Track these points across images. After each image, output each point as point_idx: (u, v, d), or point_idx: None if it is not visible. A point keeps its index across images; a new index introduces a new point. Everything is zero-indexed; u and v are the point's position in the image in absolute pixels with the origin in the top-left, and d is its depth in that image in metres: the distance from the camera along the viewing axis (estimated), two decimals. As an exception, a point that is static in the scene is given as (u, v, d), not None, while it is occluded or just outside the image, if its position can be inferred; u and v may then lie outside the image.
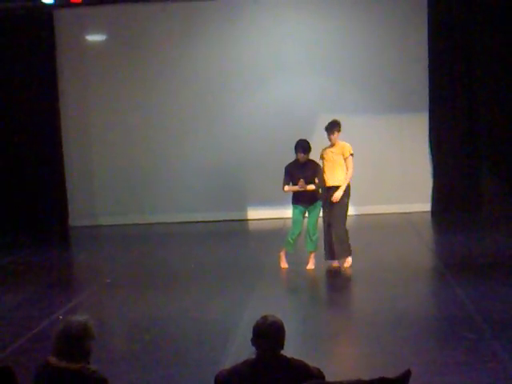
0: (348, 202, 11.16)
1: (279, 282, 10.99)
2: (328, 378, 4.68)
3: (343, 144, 11.11)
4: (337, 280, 10.96)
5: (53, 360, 4.43)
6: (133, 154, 16.62)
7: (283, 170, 11.14)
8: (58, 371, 4.39)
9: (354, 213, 15.46)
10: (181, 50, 16.41)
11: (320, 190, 11.08)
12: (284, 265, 11.37)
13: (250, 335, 4.62)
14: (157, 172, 16.61)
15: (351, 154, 11.05)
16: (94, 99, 16.70)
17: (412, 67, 15.90)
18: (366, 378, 4.44)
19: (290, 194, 11.24)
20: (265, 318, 4.64)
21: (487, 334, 7.77)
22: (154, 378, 7.07)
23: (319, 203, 11.16)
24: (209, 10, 16.26)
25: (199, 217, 16.41)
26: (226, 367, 4.77)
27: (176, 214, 16.52)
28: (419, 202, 16.10)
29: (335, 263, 11.27)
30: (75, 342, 4.41)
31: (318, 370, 4.67)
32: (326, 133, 11.15)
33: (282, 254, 11.39)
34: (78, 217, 16.77)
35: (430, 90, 15.84)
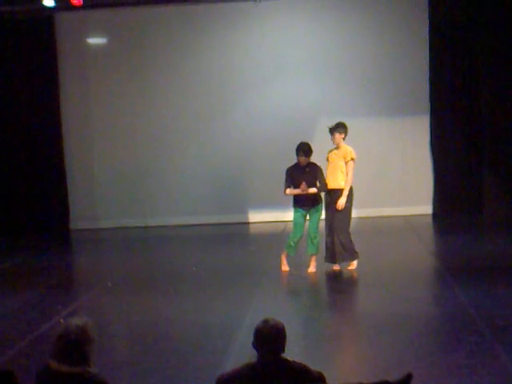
0: (351, 207, 11.15)
1: (280, 285, 10.98)
2: (329, 381, 4.67)
3: (346, 148, 11.08)
4: (338, 283, 10.95)
5: (53, 364, 4.42)
6: (134, 156, 16.63)
7: (284, 173, 11.14)
8: (59, 375, 4.38)
9: (355, 215, 15.44)
10: (181, 53, 16.42)
11: (321, 193, 11.10)
12: (285, 268, 11.36)
13: (251, 338, 4.62)
14: (158, 175, 16.62)
15: (352, 159, 11.01)
16: (96, 102, 16.72)
17: (413, 69, 15.90)
18: (368, 381, 4.43)
19: (291, 197, 11.23)
20: (266, 321, 4.64)
21: (489, 337, 7.76)
22: (154, 381, 7.06)
23: (320, 206, 11.16)
24: (209, 13, 16.27)
25: (200, 220, 16.41)
26: (227, 370, 4.76)
27: (177, 216, 16.52)
28: (420, 204, 16.10)
29: (336, 266, 11.26)
30: (75, 346, 4.40)
31: (320, 373, 4.67)
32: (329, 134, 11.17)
33: (283, 257, 11.38)
34: (79, 219, 16.77)
35: (431, 92, 15.85)
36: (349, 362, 7.55)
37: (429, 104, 15.89)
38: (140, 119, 16.60)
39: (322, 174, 11.00)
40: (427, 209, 16.10)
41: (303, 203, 11.09)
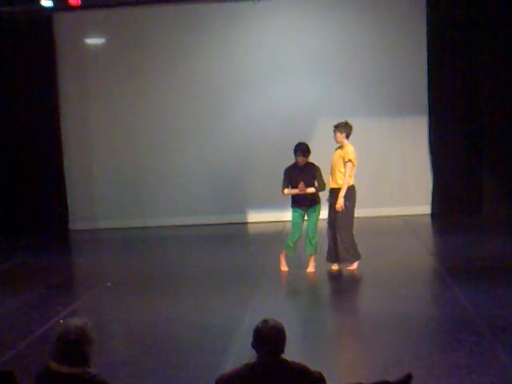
0: (353, 207, 11.13)
1: (279, 285, 10.97)
2: (329, 382, 4.67)
3: (347, 148, 11.05)
4: (337, 283, 10.95)
5: (53, 364, 4.42)
6: (133, 157, 16.63)
7: (283, 174, 11.14)
8: (59, 376, 4.38)
9: (354, 215, 15.48)
10: (180, 53, 16.43)
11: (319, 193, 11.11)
12: (284, 268, 11.37)
13: (250, 339, 4.62)
14: (157, 175, 16.62)
15: (349, 160, 10.96)
16: (94, 102, 16.72)
17: (412, 69, 15.91)
18: (368, 381, 4.43)
19: (290, 197, 11.23)
20: (265, 321, 4.64)
21: (488, 337, 7.76)
22: (154, 381, 7.06)
23: (318, 206, 11.16)
24: (208, 13, 16.27)
25: (199, 220, 16.41)
26: (227, 371, 4.77)
27: (176, 217, 16.53)
28: (419, 204, 16.11)
29: (335, 266, 11.27)
30: (75, 347, 4.40)
31: (319, 373, 4.67)
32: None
33: (282, 257, 11.39)
34: (78, 220, 16.78)
35: (430, 92, 15.86)
36: (348, 362, 7.55)
37: (428, 104, 15.89)
38: (139, 119, 16.61)
39: (321, 173, 10.99)
40: (426, 209, 16.10)
41: (301, 203, 11.09)
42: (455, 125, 15.77)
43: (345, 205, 10.94)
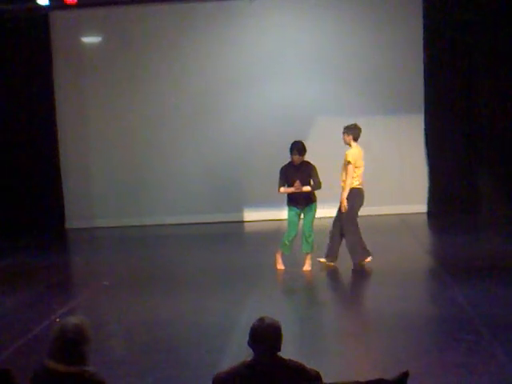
0: (356, 208, 11.15)
1: (276, 284, 10.98)
2: (326, 380, 4.67)
3: (349, 150, 11.11)
4: (333, 281, 10.96)
5: (50, 363, 4.41)
6: (130, 155, 16.64)
7: (279, 172, 11.13)
8: (56, 374, 4.37)
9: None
10: (176, 52, 16.43)
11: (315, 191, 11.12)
12: (280, 266, 11.37)
13: (247, 337, 4.61)
14: (154, 174, 16.62)
15: (348, 162, 11.02)
16: (91, 100, 16.71)
17: (408, 68, 15.93)
18: (364, 379, 4.43)
19: (286, 196, 11.22)
20: (262, 319, 4.63)
21: (486, 336, 7.76)
22: (151, 380, 7.06)
23: (314, 205, 11.16)
24: (204, 12, 16.27)
25: (196, 219, 16.41)
26: (224, 369, 4.76)
27: (173, 215, 16.53)
28: (416, 203, 16.12)
29: (321, 259, 11.31)
30: (72, 345, 4.39)
31: (316, 371, 4.66)
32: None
33: (278, 256, 11.39)
34: (74, 219, 16.77)
35: (427, 91, 15.87)
36: (345, 360, 7.55)
37: (424, 103, 15.90)
38: (136, 118, 16.60)
39: (316, 172, 10.99)
40: (423, 207, 16.12)
41: (298, 202, 11.09)
42: (452, 124, 15.78)
43: (349, 207, 10.98)
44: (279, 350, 4.59)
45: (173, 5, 16.36)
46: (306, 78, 16.20)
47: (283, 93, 16.21)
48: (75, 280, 12.81)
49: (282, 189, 11.07)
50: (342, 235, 11.24)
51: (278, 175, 11.12)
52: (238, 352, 7.24)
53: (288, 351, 4.83)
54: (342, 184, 11.15)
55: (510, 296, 9.27)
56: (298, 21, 16.18)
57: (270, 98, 16.26)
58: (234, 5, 16.17)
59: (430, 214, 16.01)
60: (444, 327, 8.39)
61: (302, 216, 11.23)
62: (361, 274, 11.04)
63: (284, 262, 11.35)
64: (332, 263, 11.32)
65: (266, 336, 4.54)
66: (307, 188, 10.94)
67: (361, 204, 11.22)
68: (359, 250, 11.18)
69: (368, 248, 11.26)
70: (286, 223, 11.50)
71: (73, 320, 4.50)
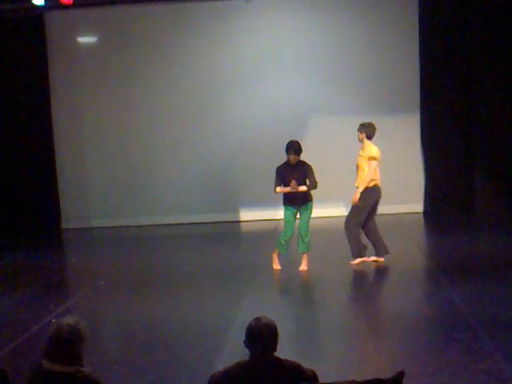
0: (364, 205, 11.22)
1: (272, 284, 10.98)
2: (322, 380, 4.67)
3: (368, 147, 11.26)
4: (330, 281, 10.94)
5: (46, 363, 4.41)
6: (125, 155, 16.62)
7: (274, 172, 11.12)
8: (51, 375, 4.37)
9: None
10: (172, 52, 16.42)
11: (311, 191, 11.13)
12: (277, 266, 11.37)
13: (243, 337, 4.62)
14: (149, 174, 16.61)
15: (372, 158, 11.16)
16: (86, 101, 16.69)
17: (404, 67, 15.93)
18: (360, 379, 4.44)
19: (282, 196, 11.22)
20: (258, 319, 4.63)
21: (480, 335, 7.77)
22: (147, 380, 7.05)
23: (310, 204, 11.16)
24: (200, 11, 16.25)
25: (192, 218, 16.40)
26: (220, 369, 4.77)
27: (168, 215, 16.52)
28: (411, 202, 16.12)
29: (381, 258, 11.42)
30: (67, 345, 4.38)
31: (312, 371, 4.66)
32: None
33: (275, 256, 11.39)
34: (70, 219, 16.75)
35: (422, 91, 15.88)
36: (341, 359, 7.55)
37: (420, 102, 15.92)
38: (132, 118, 16.59)
39: (312, 172, 10.99)
40: (418, 207, 16.12)
41: (294, 201, 11.09)
42: (448, 123, 15.78)
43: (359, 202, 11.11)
44: (275, 349, 4.59)
45: (168, 5, 16.34)
46: (302, 78, 16.18)
47: (278, 93, 16.20)
48: (71, 280, 12.80)
49: (279, 188, 11.06)
50: (371, 228, 11.37)
51: (273, 175, 11.12)
52: (233, 352, 7.25)
53: (284, 351, 4.83)
54: (355, 184, 11.22)
55: (506, 295, 9.29)
56: (294, 21, 16.16)
57: (266, 98, 16.25)
58: (230, 5, 16.14)
59: (425, 213, 16.02)
60: (439, 326, 8.41)
61: (297, 215, 11.23)
62: (357, 273, 11.05)
63: (280, 262, 11.35)
64: (383, 258, 11.44)
65: (262, 336, 4.54)
66: (303, 188, 10.94)
67: (376, 201, 11.34)
68: (354, 248, 11.27)
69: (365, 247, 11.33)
70: (282, 223, 11.50)
71: (68, 320, 4.50)
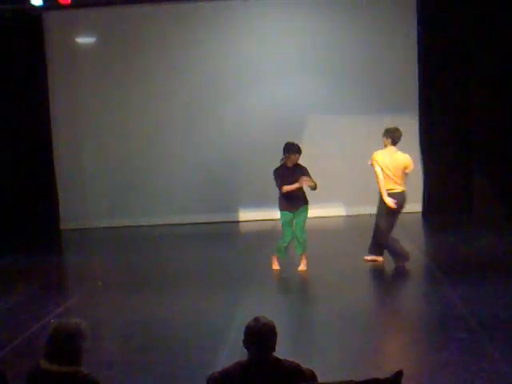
0: (386, 213, 11.44)
1: (271, 284, 10.98)
2: (320, 379, 4.67)
3: (402, 154, 11.61)
4: (328, 281, 10.94)
5: (44, 363, 4.41)
6: (125, 156, 16.61)
7: (273, 175, 11.04)
8: (50, 375, 4.37)
9: (345, 214, 15.55)
10: (171, 51, 16.41)
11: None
12: (276, 266, 11.37)
13: (241, 337, 4.62)
14: (148, 174, 16.59)
15: (375, 162, 11.21)
16: (85, 101, 16.68)
17: (402, 67, 15.93)
18: (358, 379, 4.44)
19: (278, 199, 11.18)
20: (256, 319, 4.63)
21: (479, 335, 7.78)
22: (146, 380, 7.06)
23: (306, 207, 11.14)
24: (199, 11, 16.25)
25: (191, 218, 16.39)
26: (218, 369, 4.76)
27: (167, 216, 16.51)
28: (410, 202, 16.07)
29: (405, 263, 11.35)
30: (66, 346, 4.39)
31: (311, 371, 4.67)
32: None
33: (274, 257, 11.38)
34: (69, 219, 16.72)
35: (421, 91, 15.87)
36: (340, 359, 7.55)
37: (418, 103, 15.92)
38: (130, 118, 16.58)
39: (309, 174, 10.95)
40: (417, 207, 16.11)
41: (290, 205, 11.01)
42: (446, 123, 15.77)
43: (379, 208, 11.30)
44: (274, 349, 4.59)
45: (168, 4, 16.33)
46: (302, 79, 16.18)
47: (277, 93, 16.19)
48: (69, 280, 12.80)
49: (286, 186, 10.98)
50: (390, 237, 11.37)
51: (272, 175, 11.06)
52: (232, 352, 7.25)
53: (283, 351, 4.83)
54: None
55: (504, 294, 9.30)
56: (290, 20, 16.14)
57: (265, 98, 16.24)
58: (230, 4, 16.12)
59: (424, 213, 16.00)
60: (437, 325, 8.41)
61: (294, 218, 11.19)
62: (355, 273, 11.05)
63: (279, 263, 11.35)
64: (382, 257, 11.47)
65: (260, 336, 4.54)
66: (311, 183, 10.81)
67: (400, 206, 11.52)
68: (373, 246, 11.52)
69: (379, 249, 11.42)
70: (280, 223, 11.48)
71: (67, 320, 4.51)
